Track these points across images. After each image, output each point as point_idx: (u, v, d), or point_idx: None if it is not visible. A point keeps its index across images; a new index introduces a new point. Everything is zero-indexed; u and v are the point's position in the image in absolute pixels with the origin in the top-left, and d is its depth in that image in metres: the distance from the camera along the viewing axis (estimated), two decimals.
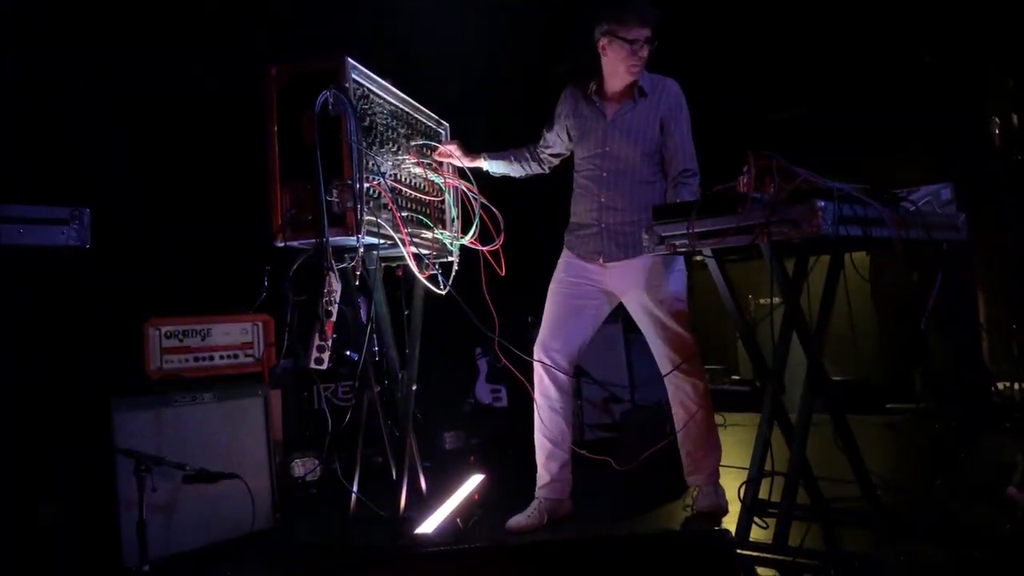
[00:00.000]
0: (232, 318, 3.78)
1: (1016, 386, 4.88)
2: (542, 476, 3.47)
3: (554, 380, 3.45)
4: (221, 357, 3.71)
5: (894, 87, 5.74)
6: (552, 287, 3.52)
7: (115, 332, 3.64)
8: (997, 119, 4.97)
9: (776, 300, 5.78)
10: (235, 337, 3.77)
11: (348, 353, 4.79)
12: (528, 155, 3.69)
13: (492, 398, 6.06)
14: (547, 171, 3.74)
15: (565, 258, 3.54)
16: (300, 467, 4.11)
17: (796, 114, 5.48)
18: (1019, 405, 4.75)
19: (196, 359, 3.62)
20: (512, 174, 3.72)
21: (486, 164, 3.62)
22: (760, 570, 2.54)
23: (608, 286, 3.45)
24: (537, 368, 3.48)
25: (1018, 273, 5.08)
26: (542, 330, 3.50)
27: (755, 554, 2.62)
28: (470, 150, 3.57)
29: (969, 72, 5.30)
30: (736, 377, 7.15)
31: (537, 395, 3.48)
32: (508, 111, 4.84)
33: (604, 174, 3.43)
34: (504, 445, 5.12)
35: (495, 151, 3.67)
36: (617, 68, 3.36)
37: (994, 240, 5.05)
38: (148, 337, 3.49)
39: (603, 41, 3.35)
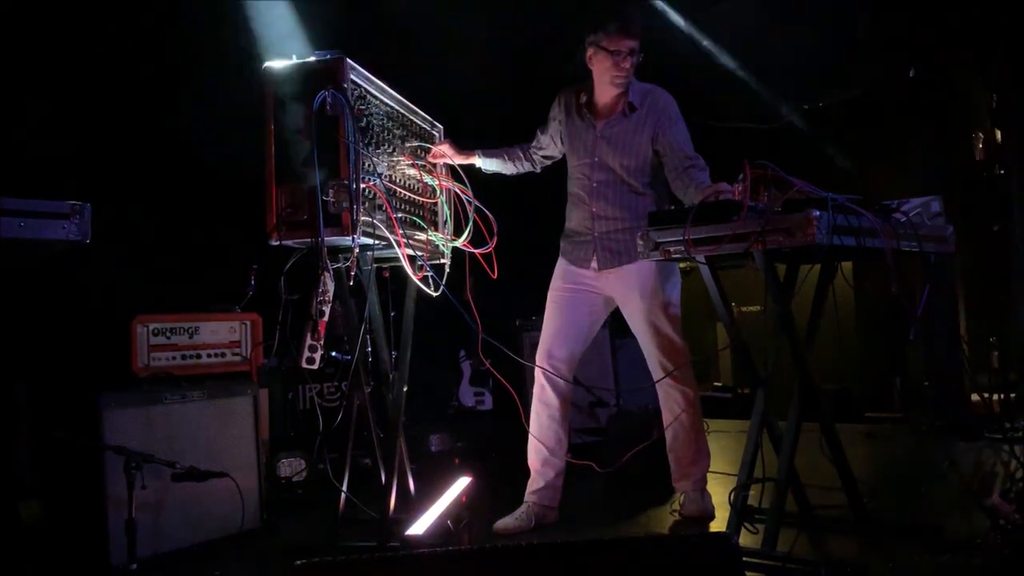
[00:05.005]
0: (220, 316, 3.75)
1: (995, 397, 4.95)
2: (536, 480, 3.47)
3: (555, 388, 3.46)
4: (209, 355, 3.68)
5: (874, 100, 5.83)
6: (550, 295, 3.53)
7: (102, 328, 3.61)
8: (980, 134, 5.06)
9: (757, 308, 5.85)
10: (223, 336, 3.74)
11: (333, 354, 4.78)
12: (521, 154, 3.70)
13: (475, 401, 6.06)
14: (538, 171, 3.75)
15: (561, 265, 3.55)
16: (287, 468, 4.09)
17: (783, 124, 5.54)
18: (997, 416, 4.81)
19: (184, 357, 3.59)
20: (504, 172, 3.72)
21: (479, 161, 3.61)
22: (750, 575, 2.56)
23: (604, 292, 3.46)
24: (539, 376, 3.47)
25: (999, 285, 5.15)
26: (543, 338, 3.49)
27: (746, 559, 2.64)
28: (463, 148, 3.57)
29: (952, 86, 5.38)
30: (718, 384, 7.20)
31: (537, 402, 3.48)
32: (503, 112, 4.83)
33: (595, 184, 3.44)
34: (488, 448, 5.11)
35: (488, 148, 3.67)
36: (603, 78, 3.37)
37: (975, 252, 5.13)
38: (135, 334, 3.46)
39: (590, 51, 3.36)
